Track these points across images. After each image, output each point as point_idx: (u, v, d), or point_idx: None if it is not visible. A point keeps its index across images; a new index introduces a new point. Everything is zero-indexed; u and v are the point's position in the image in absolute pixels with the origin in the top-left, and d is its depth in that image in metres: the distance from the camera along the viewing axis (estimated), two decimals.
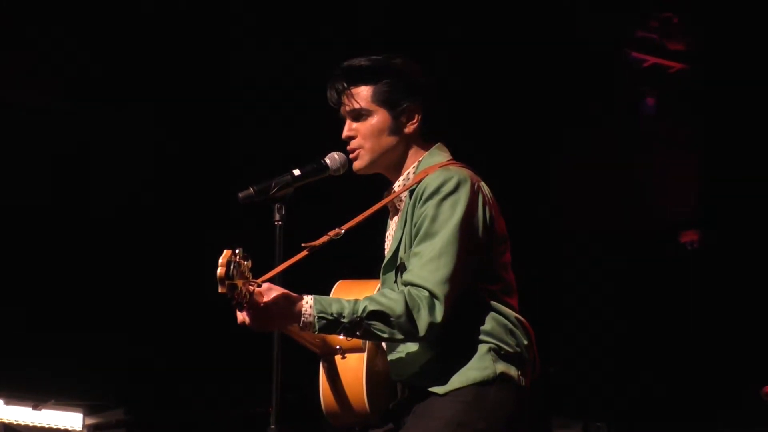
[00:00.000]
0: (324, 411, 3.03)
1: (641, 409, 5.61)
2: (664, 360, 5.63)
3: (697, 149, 5.90)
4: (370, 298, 2.84)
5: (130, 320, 5.54)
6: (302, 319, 2.80)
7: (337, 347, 2.99)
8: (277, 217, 2.94)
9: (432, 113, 3.10)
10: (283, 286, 2.82)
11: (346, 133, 3.10)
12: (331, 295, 3.06)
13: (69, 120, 5.60)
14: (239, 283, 2.64)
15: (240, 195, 2.95)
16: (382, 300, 2.83)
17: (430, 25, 5.46)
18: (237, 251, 2.63)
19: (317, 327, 2.80)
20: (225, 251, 2.62)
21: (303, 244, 2.92)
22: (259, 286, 2.74)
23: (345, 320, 2.80)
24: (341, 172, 3.08)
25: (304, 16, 5.53)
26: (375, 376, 3.00)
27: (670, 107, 5.92)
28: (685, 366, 5.59)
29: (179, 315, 5.54)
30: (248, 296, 2.69)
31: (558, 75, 5.63)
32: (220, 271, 2.60)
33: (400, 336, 2.85)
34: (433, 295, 2.83)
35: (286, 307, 2.79)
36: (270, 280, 2.80)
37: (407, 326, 2.82)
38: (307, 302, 2.81)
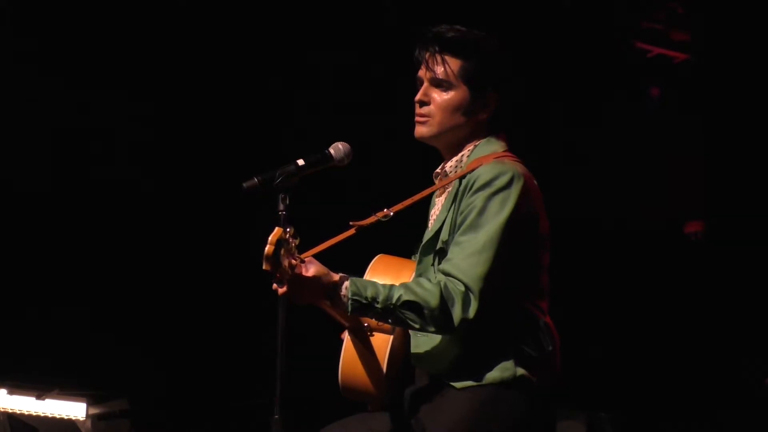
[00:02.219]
0: (340, 383, 3.03)
1: (645, 399, 5.61)
2: (668, 350, 5.63)
3: (701, 140, 5.89)
4: (405, 287, 2.82)
5: (135, 310, 5.54)
6: (336, 299, 2.80)
7: (366, 324, 3.00)
8: (282, 207, 2.94)
9: (507, 106, 3.09)
10: (324, 262, 2.84)
11: (420, 96, 3.08)
12: (368, 268, 3.09)
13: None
14: (285, 261, 2.64)
15: (244, 185, 2.95)
16: (418, 290, 2.81)
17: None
18: (288, 229, 2.64)
19: (350, 308, 2.81)
20: (276, 229, 2.63)
21: (351, 222, 2.93)
22: (302, 261, 2.74)
23: (378, 305, 2.80)
24: (345, 162, 3.08)
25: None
26: (397, 359, 3.01)
27: (674, 98, 5.91)
28: (688, 356, 5.59)
29: (183, 305, 5.54)
30: (290, 271, 2.69)
31: (561, 66, 5.63)
32: (268, 249, 2.60)
33: (431, 329, 2.85)
34: (469, 290, 2.82)
35: (323, 284, 2.80)
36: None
37: (440, 319, 2.82)
38: (344, 283, 2.81)
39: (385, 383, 2.98)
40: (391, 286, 2.83)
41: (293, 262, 2.70)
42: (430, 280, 2.87)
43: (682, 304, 5.64)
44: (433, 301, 2.80)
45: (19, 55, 5.38)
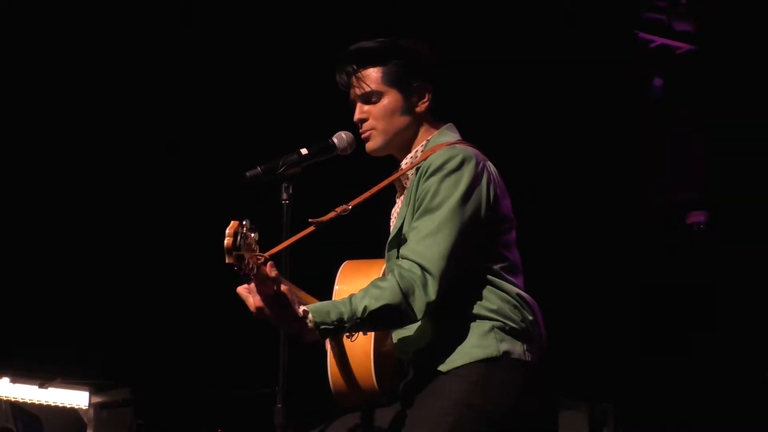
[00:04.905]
0: (332, 390, 3.02)
1: (647, 390, 5.62)
2: (670, 342, 5.64)
3: (704, 130, 5.89)
4: (365, 295, 2.80)
5: (137, 299, 5.55)
6: (304, 330, 2.77)
7: None
8: (285, 196, 2.93)
9: (442, 92, 3.10)
10: (290, 263, 2.82)
11: (357, 116, 3.10)
12: (337, 277, 3.06)
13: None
14: (246, 254, 2.63)
15: (247, 174, 2.94)
16: (377, 292, 2.80)
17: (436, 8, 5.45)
18: (244, 222, 2.61)
19: (321, 338, 2.79)
20: (232, 222, 2.60)
21: (310, 219, 2.91)
22: (267, 259, 2.72)
23: (347, 324, 2.78)
24: (349, 152, 3.07)
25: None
26: (383, 354, 3.00)
27: (676, 88, 5.91)
28: (691, 348, 5.60)
29: (186, 294, 5.55)
30: (255, 269, 2.68)
31: (564, 59, 5.63)
32: (227, 241, 2.57)
33: (404, 323, 2.88)
34: (425, 272, 2.82)
35: (286, 314, 2.75)
36: (277, 254, 2.79)
37: (408, 311, 2.82)
38: (305, 312, 2.77)
39: (376, 381, 2.97)
40: (350, 298, 2.80)
41: (258, 260, 2.68)
42: (386, 277, 2.87)
43: (683, 295, 5.64)
44: (396, 297, 2.80)
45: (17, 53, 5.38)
